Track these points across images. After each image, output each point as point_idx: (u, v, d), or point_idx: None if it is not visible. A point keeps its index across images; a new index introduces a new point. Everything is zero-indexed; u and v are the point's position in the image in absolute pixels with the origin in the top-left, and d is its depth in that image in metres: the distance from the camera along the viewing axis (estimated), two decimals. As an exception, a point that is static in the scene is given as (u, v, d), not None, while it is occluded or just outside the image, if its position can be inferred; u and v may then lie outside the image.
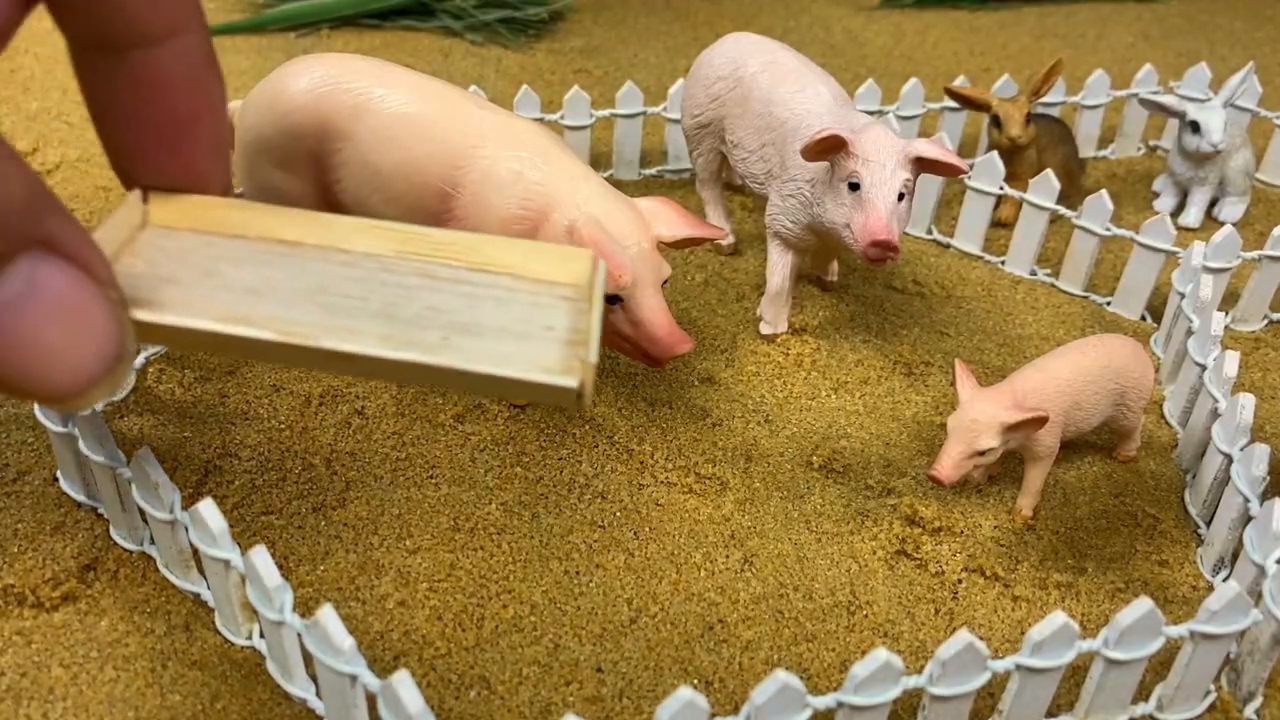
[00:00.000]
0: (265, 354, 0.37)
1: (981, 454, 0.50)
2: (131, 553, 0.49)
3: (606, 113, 0.82)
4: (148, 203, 0.37)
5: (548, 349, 0.39)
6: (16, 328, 0.25)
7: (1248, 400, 0.52)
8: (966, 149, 0.90)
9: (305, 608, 0.47)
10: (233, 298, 0.38)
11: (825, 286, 0.72)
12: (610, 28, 1.12)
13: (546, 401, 0.38)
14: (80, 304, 0.27)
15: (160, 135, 0.34)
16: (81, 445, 0.48)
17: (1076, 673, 0.45)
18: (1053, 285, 0.74)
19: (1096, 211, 0.70)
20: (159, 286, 0.34)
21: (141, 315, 0.33)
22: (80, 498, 0.51)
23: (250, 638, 0.46)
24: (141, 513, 0.47)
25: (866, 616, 0.49)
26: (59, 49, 0.97)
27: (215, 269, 0.38)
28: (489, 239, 0.43)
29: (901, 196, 0.57)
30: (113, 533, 0.50)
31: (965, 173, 0.59)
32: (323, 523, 0.52)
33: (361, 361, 0.36)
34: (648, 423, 0.59)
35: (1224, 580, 0.50)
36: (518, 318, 0.41)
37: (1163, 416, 0.62)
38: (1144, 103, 0.81)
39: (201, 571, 0.47)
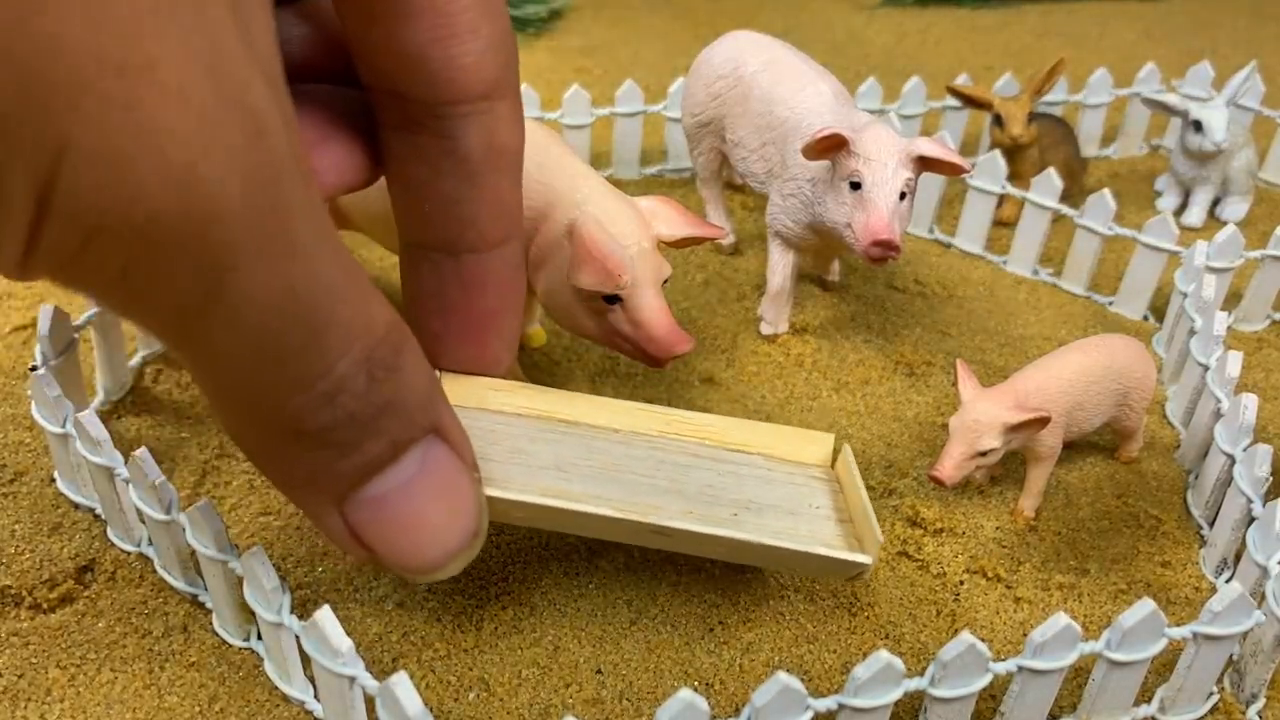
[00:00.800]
0: (582, 526, 0.40)
1: (983, 455, 0.50)
2: (129, 554, 0.49)
3: (606, 111, 0.81)
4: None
5: (825, 526, 0.44)
6: (407, 506, 0.27)
7: (1250, 400, 0.52)
8: (968, 148, 0.89)
9: (303, 609, 0.47)
10: (546, 475, 0.41)
11: (826, 286, 0.72)
12: (610, 26, 1.12)
13: (830, 575, 0.40)
14: (458, 484, 0.29)
15: (471, 326, 0.37)
16: (79, 445, 0.47)
17: (1078, 674, 0.45)
18: (1055, 285, 0.74)
19: (1099, 211, 0.70)
20: (481, 464, 0.36)
21: (489, 492, 0.36)
22: (78, 498, 0.51)
23: (248, 639, 0.45)
24: (139, 513, 0.47)
25: (868, 618, 0.48)
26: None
27: (518, 447, 0.41)
28: (736, 422, 0.47)
29: (903, 196, 0.57)
30: (110, 534, 0.50)
31: (967, 172, 0.59)
32: (321, 523, 0.51)
33: (678, 536, 0.39)
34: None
35: (1227, 581, 0.50)
36: (785, 495, 0.45)
37: (1165, 417, 0.62)
38: (1146, 102, 0.81)
39: (199, 573, 0.47)
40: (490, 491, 0.37)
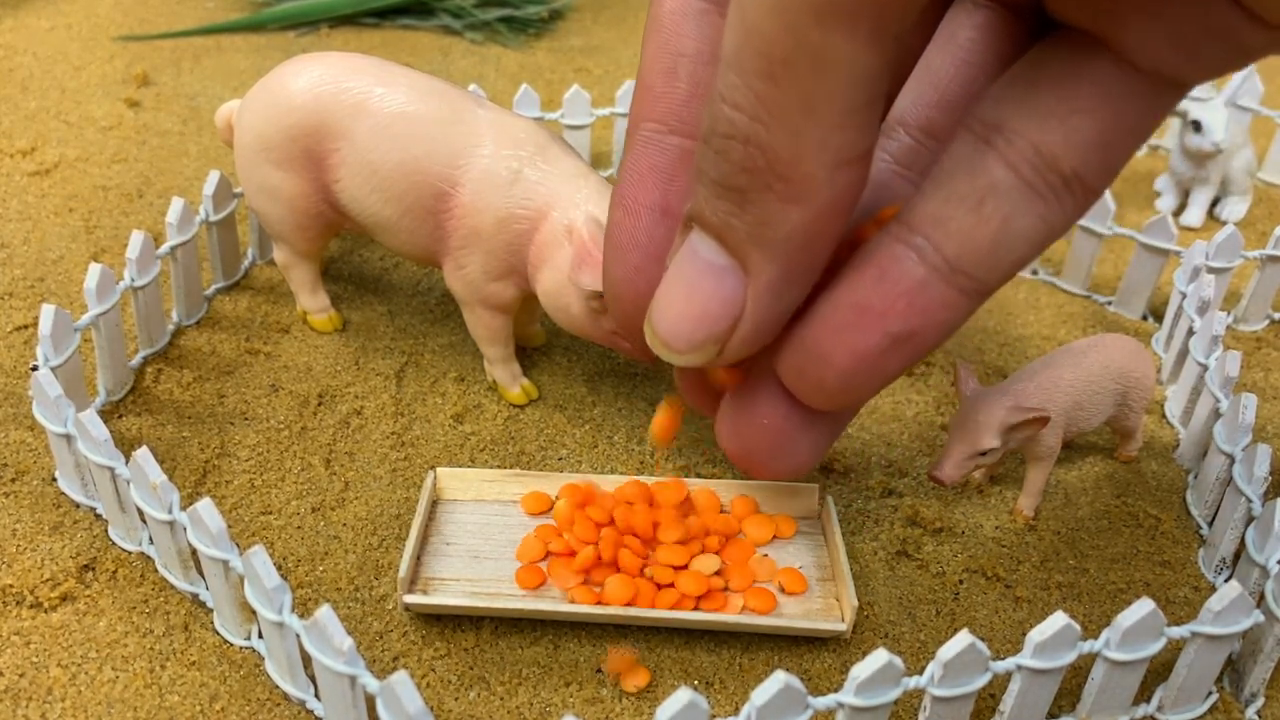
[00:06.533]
0: (564, 617, 0.47)
1: (983, 454, 0.50)
2: (130, 553, 0.49)
3: (606, 111, 0.81)
4: None
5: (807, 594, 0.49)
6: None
7: (1250, 400, 0.52)
8: (967, 148, 0.89)
9: (304, 608, 0.47)
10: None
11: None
12: (610, 26, 1.12)
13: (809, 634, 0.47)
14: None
15: None
16: (80, 445, 0.47)
17: (1078, 673, 0.45)
18: (1054, 285, 0.74)
19: (1098, 211, 0.70)
20: (474, 563, 0.49)
21: (482, 602, 0.47)
22: (79, 498, 0.51)
23: (249, 638, 0.45)
24: (140, 513, 0.47)
25: (867, 617, 0.49)
26: (58, 48, 0.96)
27: (512, 539, 0.50)
28: (726, 484, 0.53)
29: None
30: (111, 533, 0.50)
31: None
32: (322, 523, 0.52)
33: (661, 621, 0.46)
34: (648, 423, 0.59)
35: (1226, 581, 0.50)
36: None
37: (1164, 417, 0.62)
38: (1145, 102, 0.80)
39: (200, 572, 0.47)
40: (483, 603, 0.46)
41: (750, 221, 0.21)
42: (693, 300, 0.22)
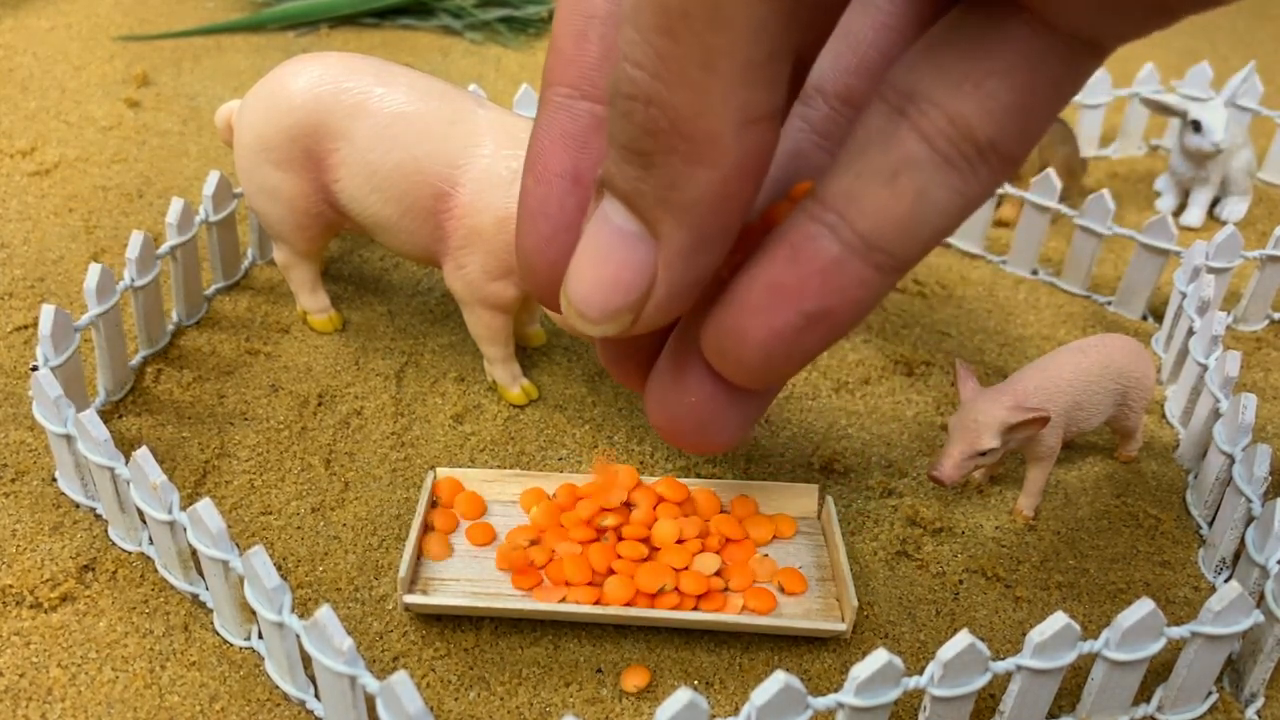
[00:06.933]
0: (565, 616, 0.47)
1: (983, 454, 0.50)
2: (130, 553, 0.49)
3: (606, 112, 0.81)
4: None
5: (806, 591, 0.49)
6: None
7: (1249, 400, 0.52)
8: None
9: (304, 608, 0.47)
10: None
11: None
12: (610, 27, 1.12)
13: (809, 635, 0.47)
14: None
15: None
16: (80, 445, 0.47)
17: (1078, 673, 0.45)
18: (1054, 285, 0.74)
19: (1098, 211, 0.70)
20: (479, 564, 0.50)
21: (484, 602, 0.46)
22: (79, 498, 0.51)
23: (249, 638, 0.45)
24: (140, 513, 0.47)
25: (867, 617, 0.49)
26: (58, 48, 0.96)
27: (515, 543, 0.49)
28: (727, 484, 0.52)
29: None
30: (111, 533, 0.50)
31: None
32: (321, 523, 0.52)
33: (660, 620, 0.46)
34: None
35: (1226, 581, 0.50)
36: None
37: (1164, 417, 0.62)
38: (1145, 102, 0.81)
39: (200, 572, 0.47)
40: (488, 603, 0.46)
41: (657, 185, 0.21)
42: (605, 268, 0.22)
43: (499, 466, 0.55)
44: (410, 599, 0.45)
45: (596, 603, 0.46)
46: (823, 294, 0.21)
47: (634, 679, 0.45)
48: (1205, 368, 0.57)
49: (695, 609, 0.46)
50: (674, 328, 0.25)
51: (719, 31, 0.19)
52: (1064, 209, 0.72)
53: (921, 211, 0.21)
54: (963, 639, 0.38)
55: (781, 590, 0.48)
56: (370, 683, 0.38)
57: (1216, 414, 0.54)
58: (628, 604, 0.46)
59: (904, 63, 0.21)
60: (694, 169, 0.20)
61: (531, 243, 0.26)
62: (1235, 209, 0.82)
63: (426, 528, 0.50)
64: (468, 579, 0.48)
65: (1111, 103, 0.90)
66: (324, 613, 0.38)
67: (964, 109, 0.20)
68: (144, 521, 0.48)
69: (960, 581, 0.51)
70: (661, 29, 0.19)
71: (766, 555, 0.50)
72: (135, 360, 0.60)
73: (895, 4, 0.25)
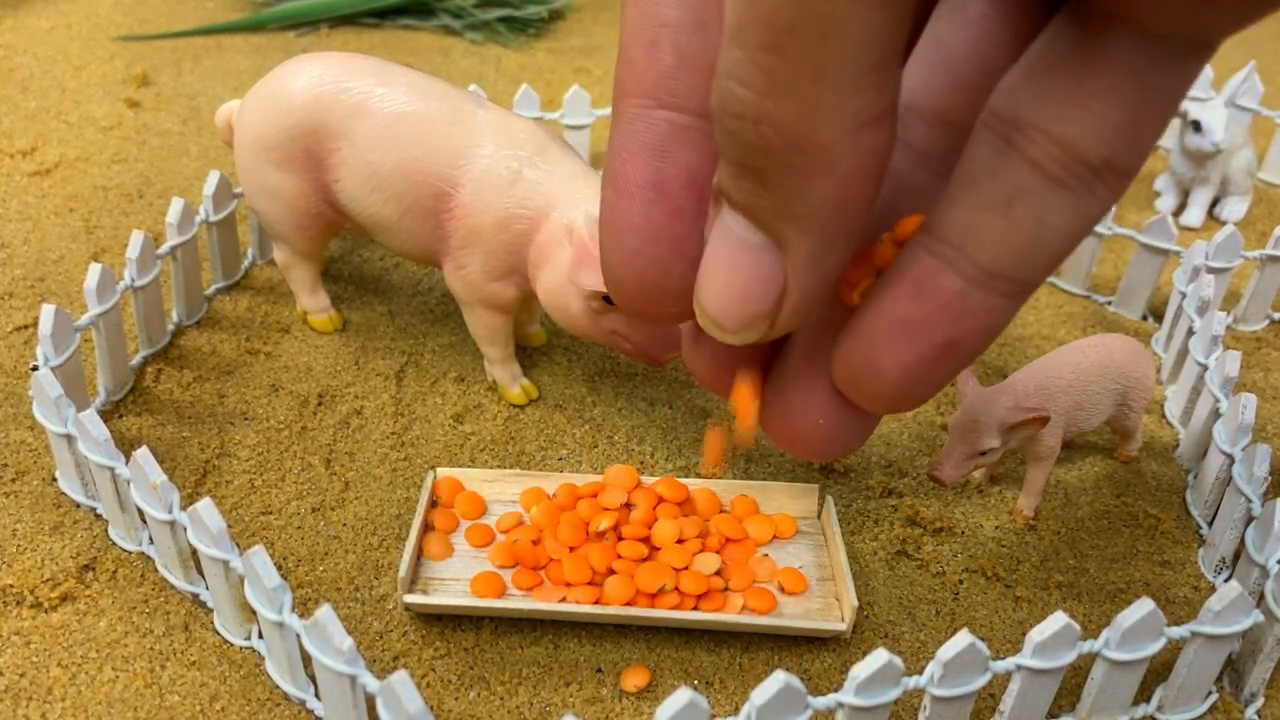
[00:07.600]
0: (566, 616, 0.47)
1: (983, 454, 0.50)
2: (130, 553, 0.49)
3: (606, 111, 0.81)
4: None
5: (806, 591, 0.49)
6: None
7: (1249, 400, 0.52)
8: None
9: (304, 608, 0.47)
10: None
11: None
12: (610, 26, 1.12)
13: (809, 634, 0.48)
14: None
15: None
16: (80, 445, 0.47)
17: (1078, 673, 0.45)
18: (1054, 285, 0.74)
19: (1098, 211, 0.70)
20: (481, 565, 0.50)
21: (485, 602, 0.46)
22: (79, 498, 0.51)
23: (249, 638, 0.45)
24: (140, 513, 0.47)
25: (867, 617, 0.49)
26: (58, 48, 0.96)
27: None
28: (727, 484, 0.52)
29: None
30: (111, 533, 0.50)
31: None
32: (322, 523, 0.52)
33: (660, 620, 0.46)
34: (648, 423, 0.59)
35: (1225, 581, 0.50)
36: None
37: (1164, 417, 0.62)
38: (1145, 102, 0.80)
39: (200, 572, 0.47)
40: (483, 603, 0.46)
41: (776, 199, 0.21)
42: (735, 279, 0.22)
43: (499, 466, 0.55)
44: (410, 599, 0.45)
45: (596, 602, 0.46)
46: (950, 326, 0.22)
47: (634, 679, 0.45)
48: (1205, 368, 0.57)
49: (695, 609, 0.46)
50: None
51: (829, 43, 0.18)
52: (1064, 209, 0.72)
53: (1041, 237, 0.21)
54: (963, 639, 0.38)
55: (781, 590, 0.48)
56: (370, 682, 0.38)
57: (1216, 414, 0.54)
58: (628, 604, 0.46)
59: (1005, 88, 0.21)
60: (810, 180, 0.20)
61: (619, 258, 0.26)
62: (1235, 209, 0.82)
63: (426, 527, 0.50)
64: (468, 579, 0.48)
65: (1111, 103, 0.90)
66: (324, 612, 0.38)
67: (1072, 133, 0.20)
68: (144, 521, 0.48)
69: (960, 581, 0.51)
70: (768, 46, 0.19)
71: (766, 555, 0.50)
72: (135, 360, 0.60)
73: (989, 18, 0.24)
